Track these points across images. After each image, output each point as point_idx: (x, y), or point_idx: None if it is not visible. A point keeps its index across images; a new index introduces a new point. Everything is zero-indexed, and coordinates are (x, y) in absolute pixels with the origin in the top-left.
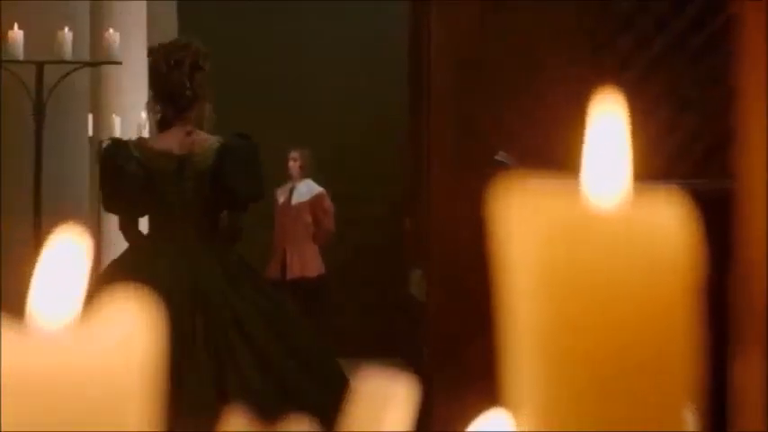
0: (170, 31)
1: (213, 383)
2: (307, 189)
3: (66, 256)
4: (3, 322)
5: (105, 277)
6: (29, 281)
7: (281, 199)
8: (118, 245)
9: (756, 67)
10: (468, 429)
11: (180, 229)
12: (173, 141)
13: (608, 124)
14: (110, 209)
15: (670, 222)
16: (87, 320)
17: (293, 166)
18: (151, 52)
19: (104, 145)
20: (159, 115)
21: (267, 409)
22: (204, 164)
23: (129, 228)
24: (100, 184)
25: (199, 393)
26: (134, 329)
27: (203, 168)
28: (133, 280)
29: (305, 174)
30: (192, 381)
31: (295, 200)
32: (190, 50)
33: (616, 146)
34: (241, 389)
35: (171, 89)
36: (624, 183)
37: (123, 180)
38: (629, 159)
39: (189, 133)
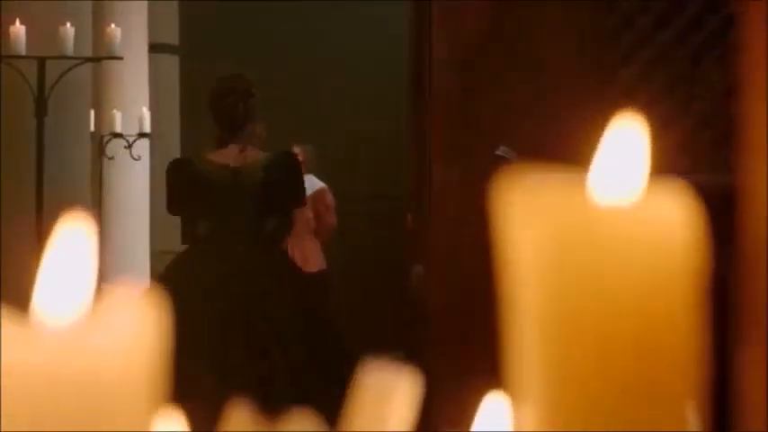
0: (172, 28)
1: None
2: (308, 184)
3: (72, 248)
4: (5, 317)
5: (168, 273)
6: (31, 278)
7: None
8: (119, 239)
9: (757, 66)
10: (475, 414)
11: (234, 230)
12: (229, 156)
13: (626, 132)
14: (173, 212)
15: (675, 216)
16: (93, 317)
17: None
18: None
19: (171, 160)
20: (217, 134)
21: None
22: (255, 176)
23: (189, 228)
24: (167, 192)
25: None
26: (141, 327)
27: (254, 179)
28: (192, 276)
29: (307, 169)
30: (233, 370)
31: None
32: (243, 81)
33: (631, 144)
34: (266, 386)
35: (228, 113)
36: (635, 178)
37: (187, 189)
38: (646, 158)
39: (242, 150)
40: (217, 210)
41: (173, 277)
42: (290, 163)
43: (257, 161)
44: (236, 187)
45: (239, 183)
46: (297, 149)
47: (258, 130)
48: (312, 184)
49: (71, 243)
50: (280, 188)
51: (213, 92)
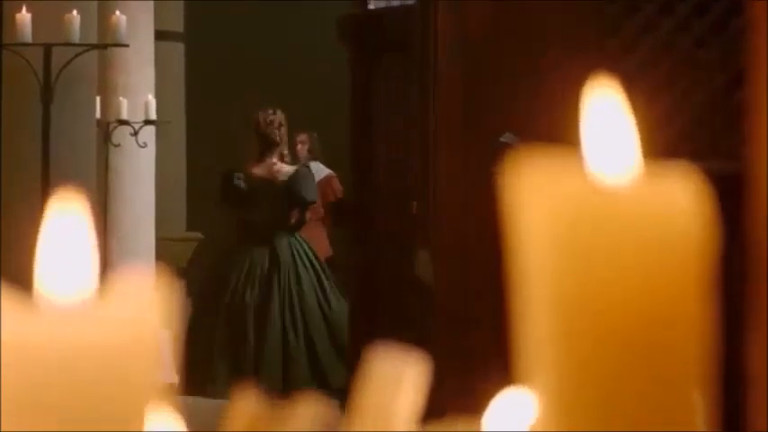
0: (177, 15)
1: (282, 342)
2: (315, 171)
3: (69, 228)
4: (11, 299)
5: (222, 253)
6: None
7: None
8: (124, 226)
9: (764, 54)
10: (487, 410)
11: (268, 221)
12: (265, 169)
13: (608, 106)
14: (227, 206)
15: (682, 199)
16: (100, 298)
17: (301, 149)
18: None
19: (224, 173)
20: (257, 151)
21: (296, 384)
22: (283, 183)
23: (238, 218)
24: (222, 194)
25: (271, 352)
26: (148, 308)
27: (282, 186)
28: (236, 253)
29: (312, 156)
30: (269, 337)
31: None
32: (276, 115)
33: (620, 124)
34: (285, 352)
35: (267, 138)
36: (634, 160)
37: (235, 193)
38: (635, 136)
39: (274, 164)
40: (257, 206)
41: (224, 255)
42: (306, 173)
43: (285, 172)
44: (270, 190)
45: (272, 187)
46: (302, 137)
47: (284, 151)
48: (319, 170)
49: (68, 222)
50: (300, 191)
51: (257, 123)
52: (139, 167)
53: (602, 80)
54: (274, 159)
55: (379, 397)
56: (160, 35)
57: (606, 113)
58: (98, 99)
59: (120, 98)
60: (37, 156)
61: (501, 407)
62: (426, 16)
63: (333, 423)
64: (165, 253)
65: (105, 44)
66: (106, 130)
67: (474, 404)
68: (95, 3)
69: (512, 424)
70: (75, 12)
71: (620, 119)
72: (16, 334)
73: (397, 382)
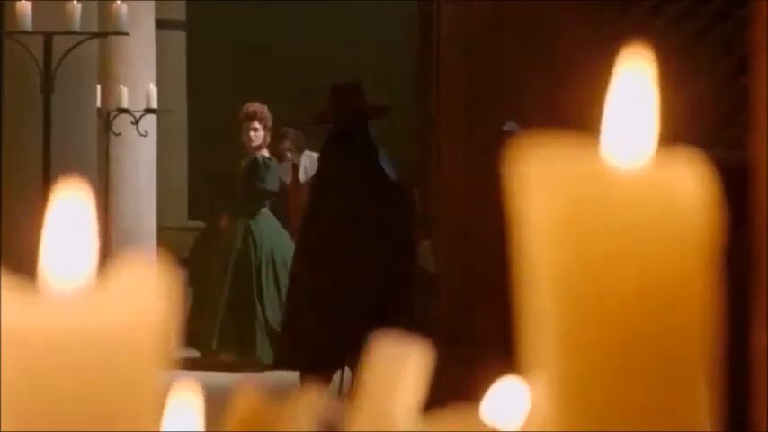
0: (179, 3)
1: None
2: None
3: (72, 215)
4: (12, 286)
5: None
6: (39, 253)
7: (288, 180)
8: (126, 215)
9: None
10: (484, 398)
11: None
12: (281, 156)
13: (634, 83)
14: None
15: (689, 182)
16: (101, 284)
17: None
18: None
19: (260, 161)
20: (264, 142)
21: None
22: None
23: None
24: (260, 183)
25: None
26: (149, 295)
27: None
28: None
29: (298, 149)
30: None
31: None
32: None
33: (641, 106)
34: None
35: (270, 128)
36: (645, 144)
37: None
38: (655, 119)
39: (287, 150)
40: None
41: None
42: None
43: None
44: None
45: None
46: (283, 130)
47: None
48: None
49: (71, 210)
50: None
51: (265, 114)
52: (141, 156)
53: (634, 52)
54: (285, 146)
55: (382, 382)
56: (161, 23)
57: (628, 93)
58: (99, 88)
59: (121, 87)
60: (38, 144)
61: (498, 395)
62: (428, 5)
63: (335, 415)
64: (166, 242)
65: (106, 33)
66: (107, 119)
67: (475, 391)
68: None
69: (509, 412)
70: (75, 0)
71: (640, 100)
72: (17, 321)
73: (400, 367)
